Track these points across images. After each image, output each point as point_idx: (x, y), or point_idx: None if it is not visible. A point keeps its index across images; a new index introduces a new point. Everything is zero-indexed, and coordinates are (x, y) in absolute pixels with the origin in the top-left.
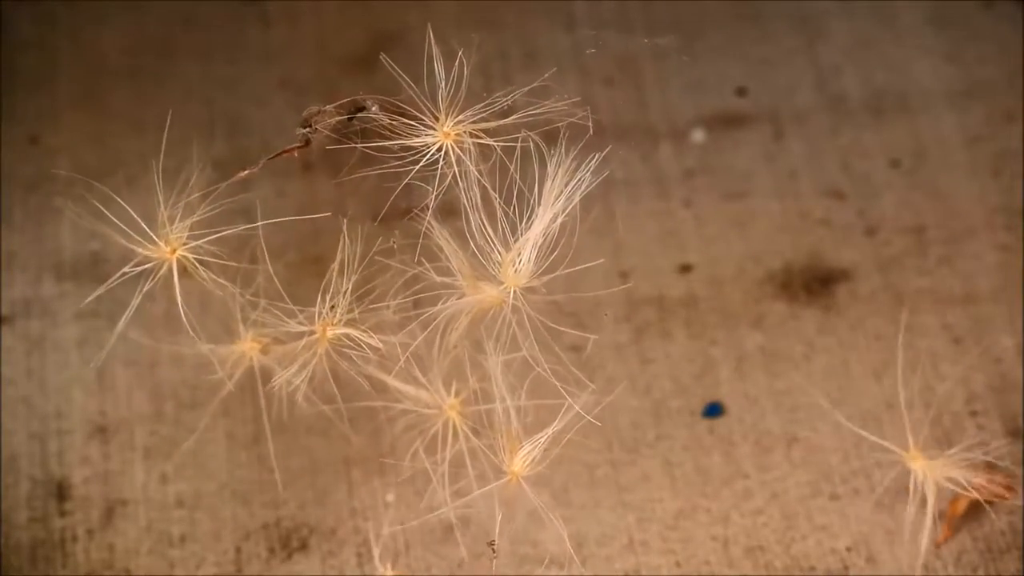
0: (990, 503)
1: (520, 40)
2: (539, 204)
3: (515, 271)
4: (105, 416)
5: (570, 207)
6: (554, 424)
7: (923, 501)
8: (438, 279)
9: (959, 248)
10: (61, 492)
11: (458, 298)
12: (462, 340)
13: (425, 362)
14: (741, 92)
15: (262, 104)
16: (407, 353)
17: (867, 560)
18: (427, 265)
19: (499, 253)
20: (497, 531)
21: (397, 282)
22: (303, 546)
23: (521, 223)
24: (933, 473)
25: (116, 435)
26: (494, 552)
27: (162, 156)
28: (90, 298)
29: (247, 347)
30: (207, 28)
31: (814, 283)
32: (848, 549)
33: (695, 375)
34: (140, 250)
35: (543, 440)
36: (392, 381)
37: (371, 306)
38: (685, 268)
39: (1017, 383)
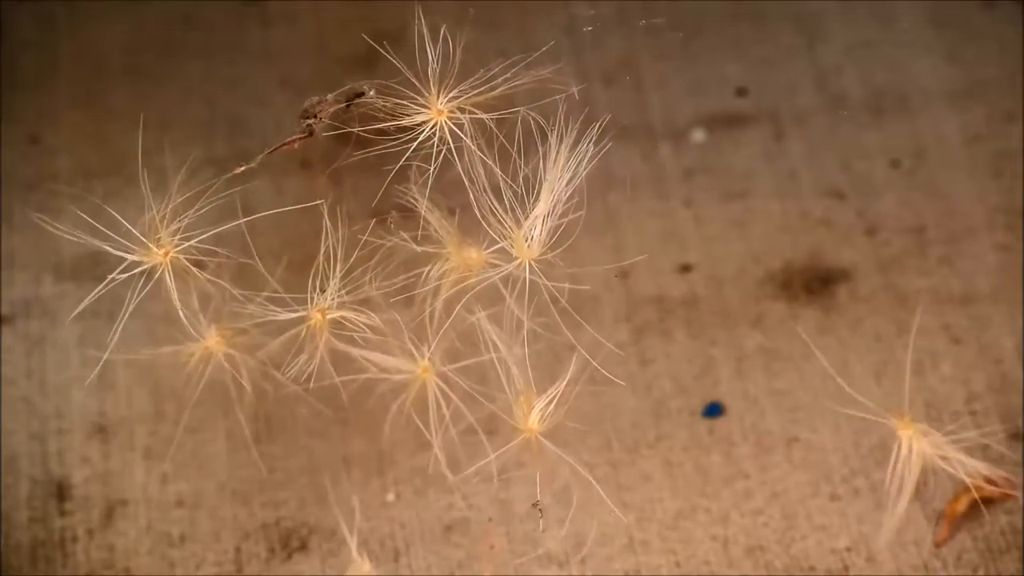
0: (990, 502)
1: (520, 40)
2: (544, 176)
3: (527, 244)
4: (105, 416)
5: (577, 179)
6: (564, 377)
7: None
8: (418, 249)
9: (959, 248)
10: (61, 492)
11: (443, 264)
12: (477, 310)
13: (418, 333)
14: (741, 92)
15: (262, 104)
16: (397, 322)
17: (867, 560)
18: (406, 236)
19: (508, 227)
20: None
21: (388, 258)
22: (303, 546)
23: (527, 197)
24: (919, 440)
25: (116, 435)
26: (540, 513)
27: (140, 158)
28: (86, 302)
29: (212, 343)
30: (207, 28)
31: (814, 283)
32: (848, 549)
33: (695, 375)
34: (132, 256)
35: (556, 394)
36: (360, 352)
37: (358, 285)
38: (685, 268)
39: (1017, 383)
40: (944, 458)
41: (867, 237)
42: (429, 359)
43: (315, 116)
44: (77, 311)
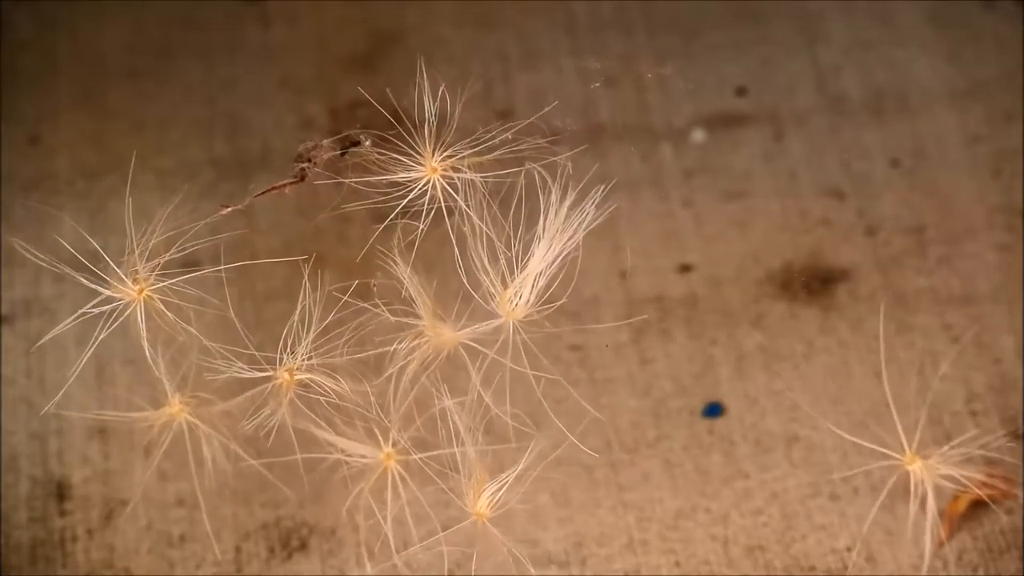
0: (991, 501)
1: (520, 40)
2: (541, 235)
3: (513, 305)
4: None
5: (574, 243)
6: (519, 464)
7: (923, 502)
8: (392, 319)
9: (959, 248)
10: (61, 492)
11: (413, 340)
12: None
13: (379, 408)
14: (741, 92)
15: (262, 104)
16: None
17: (867, 560)
18: (382, 307)
19: (496, 287)
20: (473, 570)
21: (363, 324)
22: (303, 546)
23: (520, 254)
24: (930, 474)
25: (116, 435)
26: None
27: (128, 191)
28: (44, 339)
29: (175, 410)
30: (207, 28)
31: (814, 283)
32: (848, 549)
33: (695, 375)
34: (106, 291)
35: (507, 481)
36: (324, 434)
37: (328, 350)
38: (685, 268)
39: (1017, 383)
40: (947, 477)
41: (867, 237)
42: (393, 446)
43: (309, 160)
44: (44, 339)
